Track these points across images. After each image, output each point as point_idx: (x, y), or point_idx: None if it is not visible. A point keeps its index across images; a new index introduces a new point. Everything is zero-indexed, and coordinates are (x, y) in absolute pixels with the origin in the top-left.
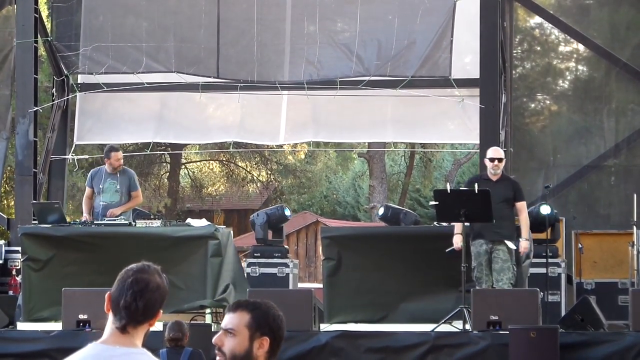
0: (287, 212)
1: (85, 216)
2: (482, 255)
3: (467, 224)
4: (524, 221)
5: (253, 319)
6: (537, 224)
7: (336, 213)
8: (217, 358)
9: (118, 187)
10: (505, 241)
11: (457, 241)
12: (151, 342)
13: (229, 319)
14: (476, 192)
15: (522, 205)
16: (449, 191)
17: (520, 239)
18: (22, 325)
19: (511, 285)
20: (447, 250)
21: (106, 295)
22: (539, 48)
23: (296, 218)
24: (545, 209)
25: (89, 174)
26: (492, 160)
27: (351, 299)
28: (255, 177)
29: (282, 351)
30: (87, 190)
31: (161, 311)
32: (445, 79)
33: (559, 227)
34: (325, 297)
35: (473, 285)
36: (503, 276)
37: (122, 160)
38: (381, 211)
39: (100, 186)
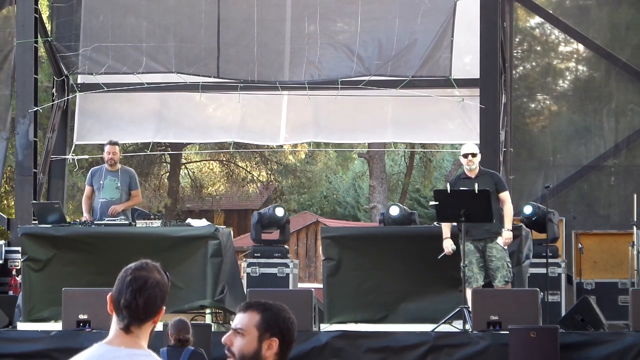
0: (279, 212)
1: (85, 216)
2: (472, 253)
3: (454, 224)
4: (507, 211)
5: (263, 320)
6: (536, 224)
7: (336, 213)
8: (228, 358)
9: (118, 184)
10: (497, 241)
11: (448, 245)
12: (153, 342)
13: (239, 319)
14: (476, 192)
15: (504, 196)
16: (449, 191)
17: (502, 230)
18: (22, 325)
19: (507, 282)
20: (439, 257)
21: (108, 297)
22: (539, 48)
23: (296, 218)
24: (527, 209)
25: (89, 173)
26: (465, 156)
27: (351, 299)
28: (255, 177)
29: None
30: (87, 189)
31: (164, 308)
32: (445, 79)
33: (553, 226)
34: (325, 297)
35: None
36: (498, 274)
37: (116, 156)
38: (395, 212)
39: (101, 182)
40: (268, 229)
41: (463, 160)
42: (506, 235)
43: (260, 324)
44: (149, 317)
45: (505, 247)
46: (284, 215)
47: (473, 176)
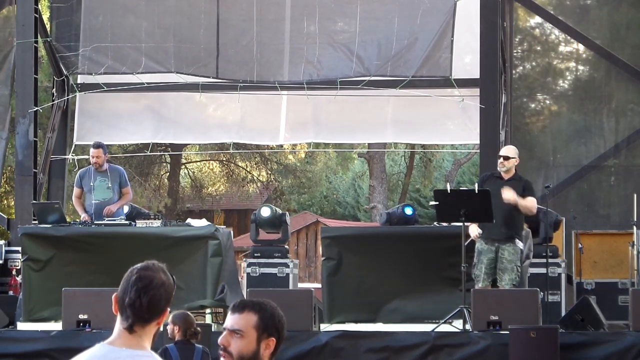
0: (264, 212)
1: (84, 216)
2: (485, 253)
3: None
4: (529, 201)
5: (261, 320)
6: (530, 223)
7: (336, 213)
8: (222, 359)
9: (109, 184)
10: (517, 241)
11: (474, 230)
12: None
13: (235, 320)
14: (476, 192)
15: (530, 200)
16: (449, 191)
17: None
18: (22, 325)
19: (514, 286)
20: (465, 244)
21: (113, 297)
22: (539, 48)
23: (296, 218)
24: None
25: (77, 175)
26: (498, 157)
27: (351, 299)
28: (255, 177)
29: (282, 351)
30: (76, 190)
31: (168, 309)
32: (445, 79)
33: (545, 226)
34: (325, 297)
35: (473, 284)
36: (506, 276)
37: (100, 159)
38: (410, 212)
39: (91, 184)
40: (264, 229)
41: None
42: (507, 191)
43: (259, 324)
44: (153, 317)
45: (518, 248)
46: (270, 215)
47: (506, 178)
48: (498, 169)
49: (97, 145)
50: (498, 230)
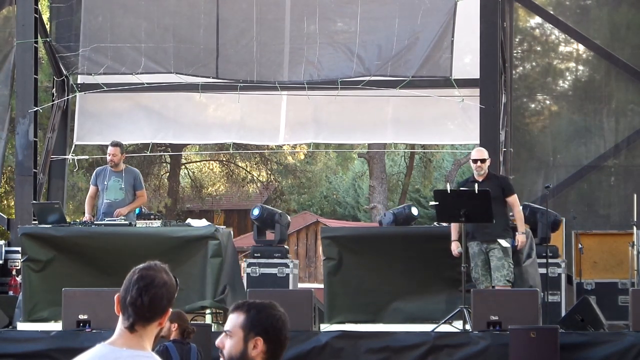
0: (254, 212)
1: (86, 216)
2: (477, 256)
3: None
4: (518, 215)
5: (246, 319)
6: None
7: (336, 213)
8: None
9: (122, 185)
10: (499, 240)
11: (454, 248)
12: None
13: (228, 321)
14: (476, 192)
15: (513, 199)
16: (449, 191)
17: (516, 234)
18: (22, 325)
19: (508, 282)
20: (457, 251)
21: (115, 297)
22: (539, 48)
23: (296, 218)
24: None
25: (94, 172)
26: (474, 161)
27: (351, 299)
28: (255, 177)
29: None
30: (91, 188)
31: (170, 310)
32: (445, 79)
33: (543, 227)
34: (325, 297)
35: (473, 285)
36: (498, 274)
37: (117, 157)
38: (416, 212)
39: (105, 183)
40: (263, 228)
41: (472, 165)
42: (521, 239)
43: (245, 324)
44: (154, 316)
45: (513, 247)
46: (259, 215)
47: (481, 180)
48: (475, 172)
49: (115, 144)
50: (483, 232)
